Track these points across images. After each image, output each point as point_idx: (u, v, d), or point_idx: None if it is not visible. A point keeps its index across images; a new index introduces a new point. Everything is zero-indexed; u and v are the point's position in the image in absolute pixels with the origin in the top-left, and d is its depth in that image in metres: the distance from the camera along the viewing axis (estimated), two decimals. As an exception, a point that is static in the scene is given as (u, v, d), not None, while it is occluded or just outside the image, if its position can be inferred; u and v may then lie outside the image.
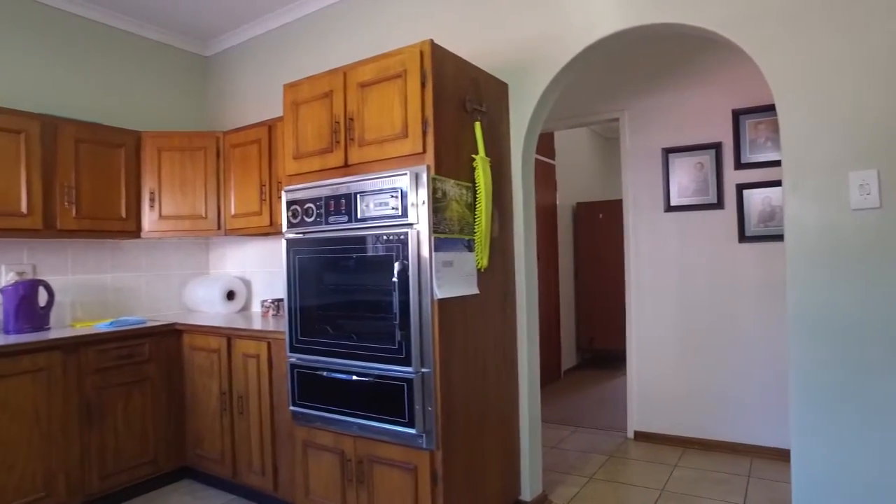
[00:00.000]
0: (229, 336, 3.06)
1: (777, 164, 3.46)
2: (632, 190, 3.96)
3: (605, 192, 7.48)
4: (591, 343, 6.26)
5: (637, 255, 3.94)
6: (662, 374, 3.85)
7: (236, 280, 3.88)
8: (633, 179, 3.96)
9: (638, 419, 3.94)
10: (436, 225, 2.19)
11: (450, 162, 2.32)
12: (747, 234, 3.55)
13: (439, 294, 2.18)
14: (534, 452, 2.82)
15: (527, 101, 2.77)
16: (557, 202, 6.02)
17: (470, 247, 2.41)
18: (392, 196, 2.24)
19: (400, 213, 2.22)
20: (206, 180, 3.53)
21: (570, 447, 3.85)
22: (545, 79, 2.72)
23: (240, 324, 3.16)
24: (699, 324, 3.72)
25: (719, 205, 3.64)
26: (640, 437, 3.92)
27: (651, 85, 3.89)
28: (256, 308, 3.95)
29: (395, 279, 2.19)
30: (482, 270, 2.48)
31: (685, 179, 3.75)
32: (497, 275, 2.61)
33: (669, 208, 3.81)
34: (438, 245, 2.20)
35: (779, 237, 3.45)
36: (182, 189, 3.49)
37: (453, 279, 2.28)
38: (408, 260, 2.19)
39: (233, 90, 4.14)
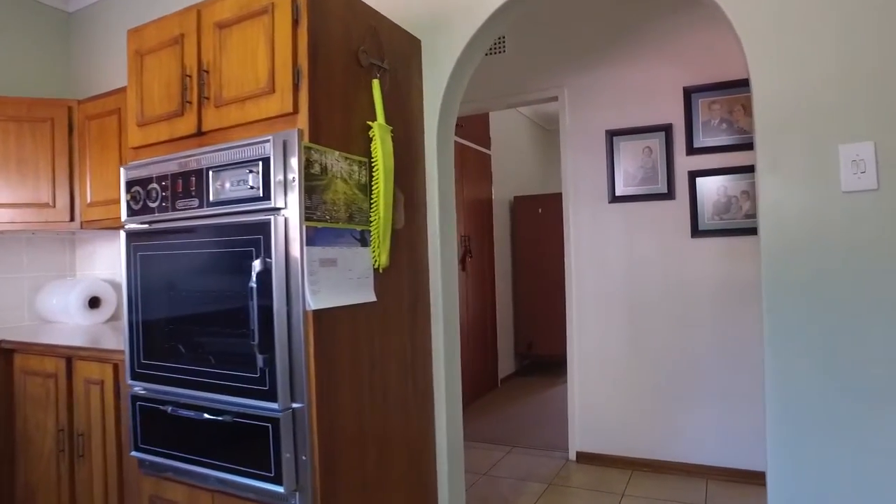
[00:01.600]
0: (69, 357, 2.40)
1: (734, 148, 3.05)
2: (572, 178, 3.49)
3: (545, 185, 7.05)
4: (531, 348, 5.81)
5: (578, 253, 3.47)
6: (607, 388, 3.39)
7: (102, 284, 3.19)
8: (573, 166, 3.49)
9: (581, 438, 3.47)
10: (310, 210, 1.62)
11: (335, 128, 1.75)
12: (701, 227, 3.13)
13: (313, 304, 1.60)
14: (455, 493, 2.29)
15: (443, 61, 2.23)
16: (493, 195, 5.53)
17: (364, 240, 1.85)
18: (251, 171, 1.65)
19: (261, 195, 1.64)
20: (55, 160, 2.83)
21: (504, 473, 3.34)
22: (465, 34, 2.19)
23: (87, 340, 2.49)
24: (648, 331, 3.28)
25: (669, 195, 3.20)
26: (584, 458, 3.45)
27: (593, 59, 3.43)
28: (130, 317, 3.27)
29: (252, 284, 1.61)
30: (381, 271, 1.92)
31: (632, 166, 3.30)
32: (403, 276, 2.06)
33: (614, 199, 3.35)
34: (314, 237, 1.63)
35: (737, 231, 3.04)
36: (19, 170, 2.78)
37: (338, 282, 1.72)
38: (271, 257, 1.60)
39: (100, 51, 3.44)
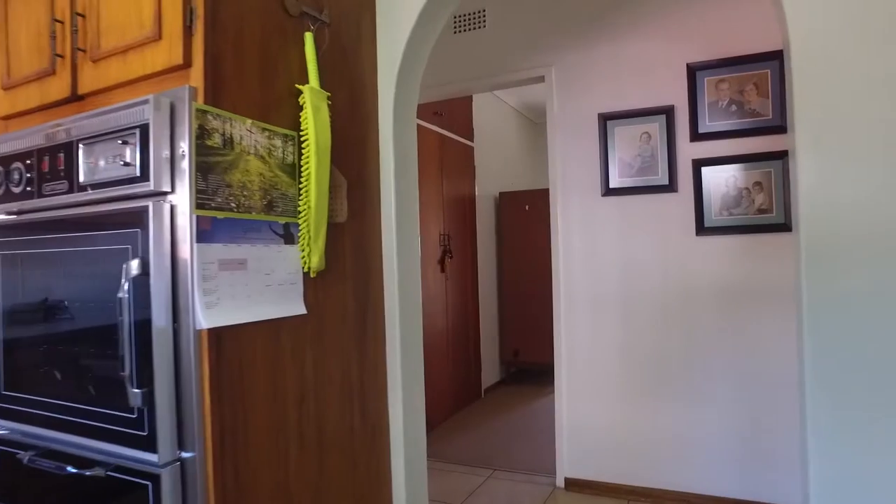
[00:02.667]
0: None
1: (745, 133, 2.65)
2: (561, 168, 3.08)
3: (532, 180, 6.65)
4: (517, 356, 5.40)
5: (567, 252, 3.06)
6: (599, 404, 2.99)
7: None
8: (562, 154, 3.08)
9: (569, 462, 3.07)
10: (205, 195, 1.21)
11: (249, 90, 1.34)
12: (707, 224, 2.73)
13: (205, 320, 1.18)
14: (415, 547, 1.87)
15: (403, 19, 1.82)
16: (477, 191, 5.12)
17: (289, 236, 1.44)
18: (126, 143, 1.23)
19: (138, 174, 1.22)
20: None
21: (483, 502, 2.94)
22: (429, -17, 1.78)
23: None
24: (646, 341, 2.88)
25: (671, 187, 2.81)
26: (573, 485, 3.04)
27: (584, 33, 3.03)
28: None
29: (123, 294, 1.18)
30: (314, 275, 1.51)
31: (628, 154, 2.90)
32: (348, 282, 1.65)
33: (608, 191, 2.95)
34: (212, 231, 1.22)
35: (749, 229, 2.64)
36: None
37: (248, 291, 1.30)
38: (149, 256, 1.19)
39: None
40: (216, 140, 1.23)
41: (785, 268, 2.59)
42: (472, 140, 5.05)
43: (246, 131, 1.31)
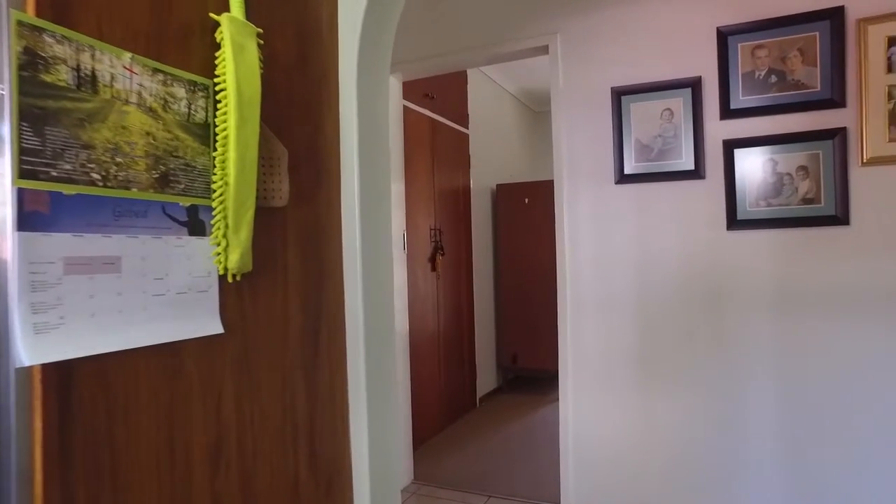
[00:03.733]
0: None
1: (788, 109, 2.24)
2: (567, 152, 2.67)
3: (532, 172, 6.24)
4: (515, 362, 4.99)
5: (574, 249, 2.65)
6: (612, 424, 2.58)
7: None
8: (569, 136, 2.67)
9: (576, 490, 2.66)
10: (37, 159, 0.78)
11: (129, 10, 0.92)
12: (741, 216, 2.32)
13: (30, 354, 0.76)
14: None
15: (371, -55, 1.39)
16: (472, 183, 4.70)
17: (196, 224, 1.02)
18: (-79, 76, 0.81)
19: (-65, 124, 0.79)
20: None
21: (475, 541, 2.53)
22: None
23: None
24: (667, 352, 2.47)
25: (697, 173, 2.39)
26: (579, 518, 2.64)
27: (595, -5, 2.61)
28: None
29: None
30: (233, 280, 1.09)
31: (647, 135, 2.49)
32: (290, 289, 1.22)
33: (623, 178, 2.53)
34: (49, 215, 0.80)
35: (792, 222, 2.23)
36: None
37: (120, 303, 0.88)
38: (-55, 255, 0.77)
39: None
40: (62, 76, 0.81)
41: (837, 268, 2.17)
42: (466, 127, 4.63)
43: (123, 69, 0.89)
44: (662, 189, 2.46)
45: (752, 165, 2.29)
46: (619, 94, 2.53)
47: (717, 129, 2.36)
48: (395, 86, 3.15)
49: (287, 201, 1.20)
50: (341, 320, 1.38)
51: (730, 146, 2.32)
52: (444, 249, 4.05)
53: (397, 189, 3.19)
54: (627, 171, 2.52)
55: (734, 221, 2.33)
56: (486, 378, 4.91)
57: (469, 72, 4.65)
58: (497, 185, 5.08)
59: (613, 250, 2.56)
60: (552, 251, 4.78)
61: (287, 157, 1.20)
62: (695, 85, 2.39)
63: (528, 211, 4.91)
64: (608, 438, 2.59)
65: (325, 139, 1.35)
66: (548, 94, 5.97)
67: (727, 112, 2.33)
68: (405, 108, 3.56)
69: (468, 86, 4.64)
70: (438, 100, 4.14)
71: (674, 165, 2.43)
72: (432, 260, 3.96)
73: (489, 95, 5.24)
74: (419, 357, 3.72)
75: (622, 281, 2.55)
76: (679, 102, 2.42)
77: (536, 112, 6.53)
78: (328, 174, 1.35)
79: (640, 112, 2.49)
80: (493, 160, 5.25)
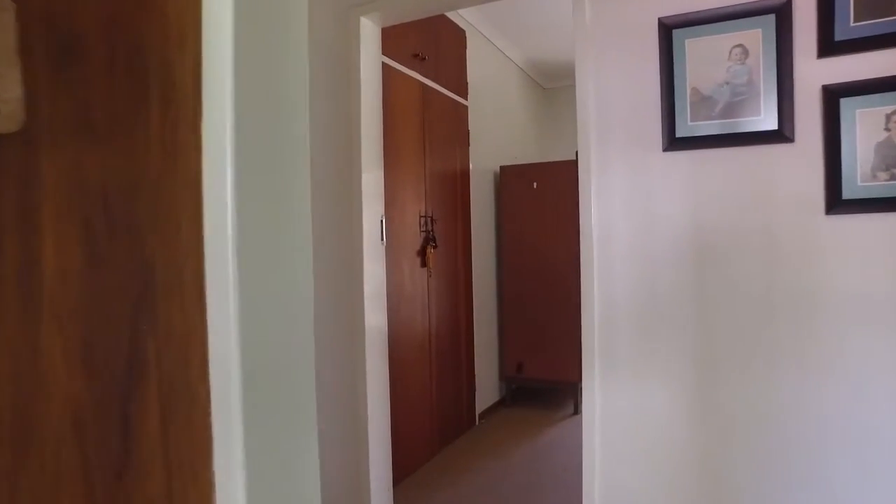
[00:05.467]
0: None
1: (921, 37, 1.55)
2: (595, 111, 1.98)
3: (542, 152, 5.56)
4: (521, 371, 4.32)
5: (605, 242, 1.97)
6: (655, 471, 1.91)
7: None
8: (598, 90, 1.98)
9: (603, 564, 1.99)
10: None
11: None
12: (847, 195, 1.64)
13: None
14: None
15: None
16: (471, 164, 4.02)
17: None
18: None
19: None
20: None
21: None
22: None
23: None
24: (734, 374, 1.79)
25: (782, 134, 1.71)
26: None
27: None
28: None
29: None
30: None
31: (709, 82, 1.80)
32: (45, 326, 0.54)
33: (674, 143, 1.85)
34: None
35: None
36: None
37: None
38: None
39: None
40: None
41: None
42: (465, 98, 3.95)
43: None
44: (731, 157, 1.78)
45: (867, 123, 1.61)
46: (669, 29, 1.85)
47: (814, 72, 1.68)
48: (370, 31, 2.47)
49: (20, 125, 0.52)
50: (195, 348, 0.70)
51: (833, 95, 1.64)
52: (436, 241, 3.37)
53: (373, 164, 2.51)
54: (680, 133, 1.84)
55: (837, 202, 1.64)
56: (486, 390, 4.24)
57: (468, 34, 3.96)
58: (501, 168, 4.39)
59: (659, 241, 1.88)
60: (568, 243, 4.12)
61: (14, 13, 0.52)
62: (779, 10, 1.70)
63: (538, 197, 4.22)
64: (650, 488, 1.92)
65: (166, 20, 0.67)
66: (560, 68, 5.28)
67: (829, 46, 1.65)
68: (389, 68, 2.88)
69: (468, 51, 3.95)
70: (432, 63, 3.45)
71: (748, 124, 1.75)
72: (422, 253, 3.28)
73: (492, 65, 4.55)
74: (404, 369, 3.06)
75: (670, 282, 1.87)
76: (756, 35, 1.73)
77: (545, 89, 5.84)
78: (167, 88, 0.67)
79: (700, 51, 1.80)
80: (496, 139, 4.56)
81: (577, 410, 4.15)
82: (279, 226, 0.76)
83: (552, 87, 5.81)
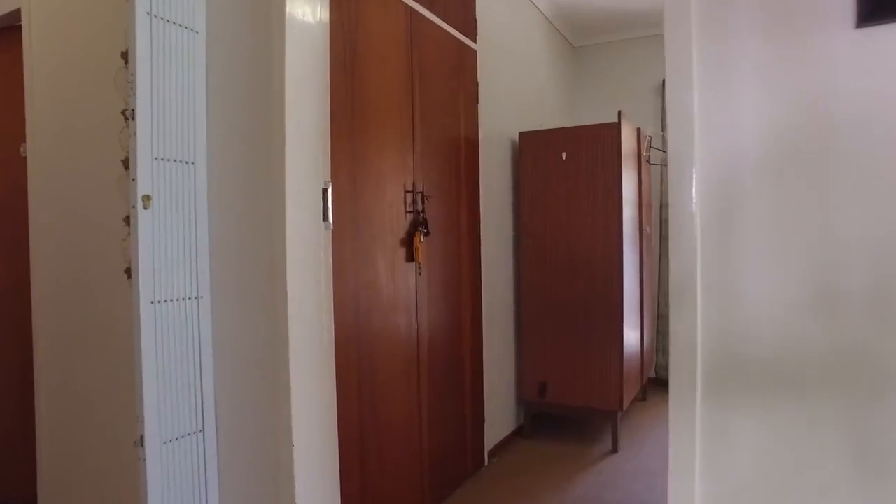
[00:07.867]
0: None
1: None
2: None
3: (572, 115, 4.61)
4: (544, 393, 3.38)
5: (719, 198, 1.03)
6: None
7: None
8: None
9: None
10: None
11: None
12: None
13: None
14: None
15: None
16: (480, 127, 3.07)
17: None
18: None
19: None
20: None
21: None
22: None
23: None
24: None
25: None
26: None
27: None
28: None
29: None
30: None
31: None
32: None
33: (883, 6, 0.89)
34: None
35: None
36: None
37: None
38: None
39: None
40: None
41: None
42: (474, 40, 3.01)
43: None
44: None
45: None
46: None
47: None
48: None
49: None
50: None
51: None
52: (428, 226, 2.44)
53: (307, 107, 1.59)
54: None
55: None
56: (499, 418, 3.32)
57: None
58: (520, 134, 3.43)
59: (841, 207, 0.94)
60: (608, 228, 3.10)
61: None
62: None
63: (568, 171, 3.27)
64: None
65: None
66: (594, 20, 4.31)
67: None
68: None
69: (476, -21, 3.02)
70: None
71: None
72: (408, 243, 2.36)
73: (510, 8, 3.60)
74: (378, 396, 2.17)
75: (800, 283, 0.92)
76: None
77: (576, 48, 4.86)
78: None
79: None
80: (513, 97, 3.61)
81: (615, 448, 3.21)
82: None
83: (584, 44, 4.83)
